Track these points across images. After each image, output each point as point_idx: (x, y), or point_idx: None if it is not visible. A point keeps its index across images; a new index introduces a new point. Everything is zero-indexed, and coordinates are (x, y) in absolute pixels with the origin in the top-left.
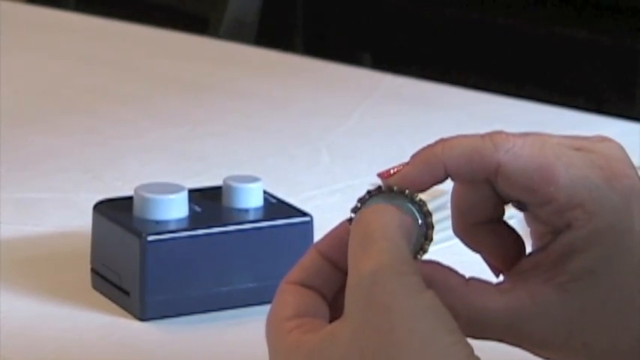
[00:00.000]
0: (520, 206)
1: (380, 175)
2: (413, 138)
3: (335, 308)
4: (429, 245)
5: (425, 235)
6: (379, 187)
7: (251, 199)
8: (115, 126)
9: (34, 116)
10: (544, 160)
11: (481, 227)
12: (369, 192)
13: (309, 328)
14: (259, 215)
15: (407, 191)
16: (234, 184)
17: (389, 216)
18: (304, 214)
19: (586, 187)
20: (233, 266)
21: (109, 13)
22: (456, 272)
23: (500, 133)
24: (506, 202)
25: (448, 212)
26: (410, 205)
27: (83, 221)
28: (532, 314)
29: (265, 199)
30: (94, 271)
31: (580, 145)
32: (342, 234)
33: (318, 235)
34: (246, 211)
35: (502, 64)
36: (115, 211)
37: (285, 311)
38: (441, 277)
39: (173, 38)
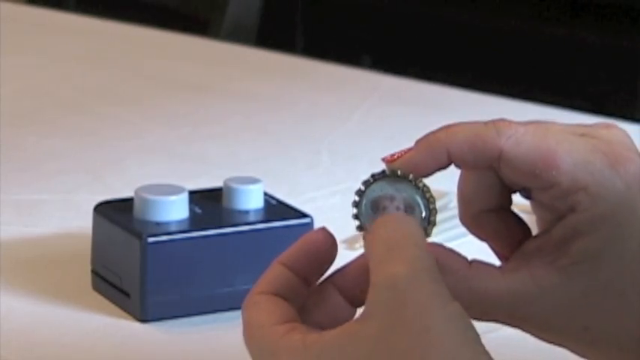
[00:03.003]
0: (525, 194)
1: (384, 160)
2: (413, 139)
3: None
4: (432, 230)
5: (428, 219)
6: (383, 172)
7: (251, 200)
8: (116, 127)
9: (35, 117)
10: (546, 146)
11: (487, 215)
12: (373, 176)
13: (306, 330)
14: (260, 217)
15: (411, 176)
16: (234, 185)
17: (414, 225)
18: (305, 215)
19: (589, 171)
20: (233, 267)
21: (110, 14)
22: (458, 254)
23: (502, 120)
24: (513, 191)
25: (449, 214)
26: (413, 191)
27: (83, 222)
28: (534, 296)
29: (266, 201)
30: (95, 273)
31: (583, 131)
32: (304, 246)
33: None
34: (247, 212)
35: (502, 65)
36: (116, 213)
37: (270, 317)
38: (444, 260)
39: (173, 39)
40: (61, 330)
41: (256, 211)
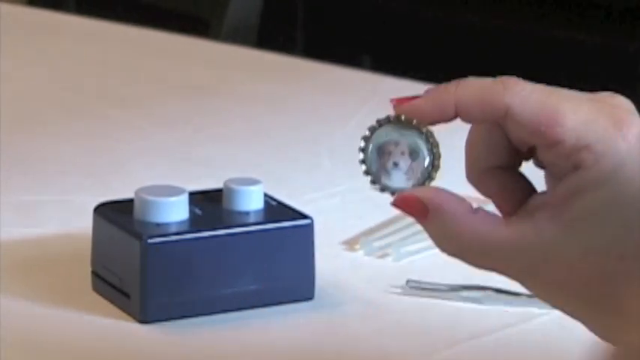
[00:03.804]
0: (537, 161)
1: (392, 101)
2: None
3: None
4: (436, 174)
5: (432, 164)
6: (387, 117)
7: (252, 201)
8: (116, 129)
9: (35, 119)
10: (551, 104)
11: (494, 172)
12: (378, 121)
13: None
14: (260, 218)
15: (414, 121)
16: (234, 186)
17: None
18: (305, 216)
19: (593, 130)
20: (234, 269)
21: (110, 15)
22: (464, 200)
23: (511, 77)
24: (520, 155)
25: None
26: (417, 136)
27: (84, 224)
28: (535, 247)
29: (266, 202)
30: (95, 274)
31: (589, 97)
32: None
33: (318, 237)
34: (247, 213)
35: (502, 66)
36: (116, 214)
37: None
38: (449, 204)
39: (174, 41)
40: (61, 331)
41: (256, 212)
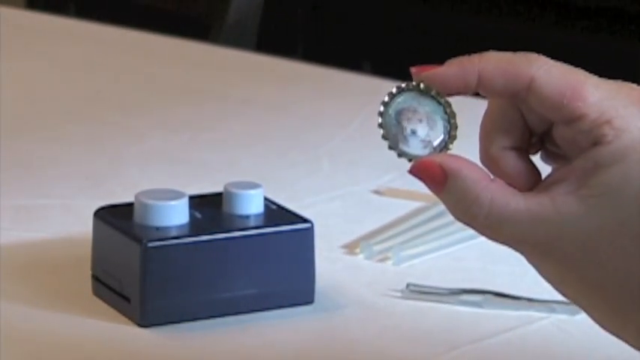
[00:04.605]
0: (545, 156)
1: (412, 69)
2: None
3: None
4: (452, 144)
5: (449, 134)
6: (407, 84)
7: (252, 205)
8: (116, 133)
9: (35, 123)
10: (574, 78)
11: (508, 152)
12: (397, 87)
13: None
14: (260, 221)
15: (433, 91)
16: (234, 190)
17: None
18: (305, 220)
19: (614, 105)
20: (234, 272)
21: (110, 19)
22: (482, 169)
23: (534, 53)
24: (532, 141)
25: (448, 219)
26: (435, 105)
27: (84, 228)
28: (551, 222)
29: (266, 206)
30: (95, 278)
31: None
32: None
33: (318, 241)
34: (247, 217)
35: None
36: (116, 218)
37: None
38: (469, 170)
39: (174, 45)
40: (61, 335)
41: (256, 215)
